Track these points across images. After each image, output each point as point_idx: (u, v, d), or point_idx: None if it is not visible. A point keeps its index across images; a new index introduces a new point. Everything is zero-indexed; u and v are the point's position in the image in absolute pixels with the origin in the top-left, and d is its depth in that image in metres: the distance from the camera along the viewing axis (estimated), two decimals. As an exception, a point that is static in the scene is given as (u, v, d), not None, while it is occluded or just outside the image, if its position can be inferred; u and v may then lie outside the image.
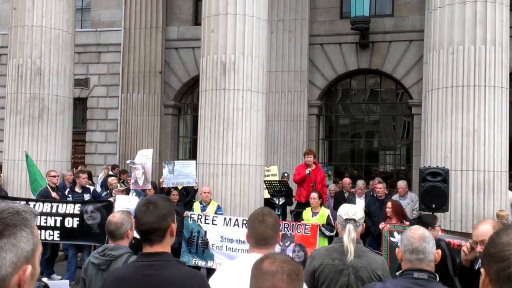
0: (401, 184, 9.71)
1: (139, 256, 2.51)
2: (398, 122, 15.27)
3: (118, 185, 9.51)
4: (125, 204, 8.08)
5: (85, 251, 8.64)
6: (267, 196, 9.91)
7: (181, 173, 8.81)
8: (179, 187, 9.12)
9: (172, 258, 2.48)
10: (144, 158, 8.95)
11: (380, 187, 9.22)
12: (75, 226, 8.44)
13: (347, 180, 11.00)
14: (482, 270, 1.32)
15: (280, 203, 9.75)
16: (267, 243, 2.73)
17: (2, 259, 1.22)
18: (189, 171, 8.87)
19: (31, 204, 8.50)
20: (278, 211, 9.33)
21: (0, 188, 10.05)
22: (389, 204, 7.75)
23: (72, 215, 8.45)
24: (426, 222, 5.43)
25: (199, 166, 9.19)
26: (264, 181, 9.59)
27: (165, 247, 2.46)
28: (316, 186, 9.62)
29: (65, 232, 8.46)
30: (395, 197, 9.36)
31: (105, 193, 10.10)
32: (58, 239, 8.56)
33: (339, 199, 9.92)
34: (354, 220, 3.41)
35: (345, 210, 3.48)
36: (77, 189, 9.28)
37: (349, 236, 3.32)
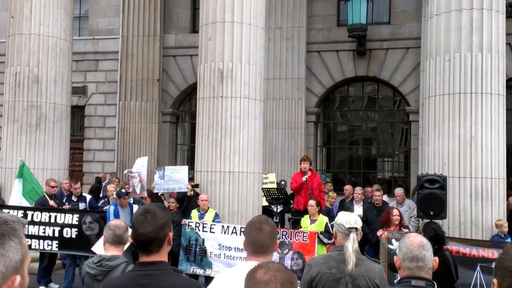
0: (399, 192, 9.70)
1: (136, 266, 2.49)
2: (396, 129, 15.29)
3: (115, 193, 9.47)
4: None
5: (82, 261, 8.59)
6: (265, 203, 9.88)
7: (172, 179, 8.77)
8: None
9: (169, 267, 2.46)
10: (140, 166, 8.94)
11: (378, 195, 9.20)
12: (73, 236, 8.42)
13: (347, 187, 10.92)
14: (494, 280, 1.31)
15: (278, 210, 9.72)
16: (265, 251, 2.72)
17: None
18: (180, 176, 8.81)
19: (29, 213, 8.47)
20: (276, 219, 9.29)
21: (-2, 197, 10.02)
22: (396, 211, 7.71)
23: (71, 226, 8.43)
24: (442, 239, 5.56)
25: (197, 174, 9.17)
26: (262, 188, 9.57)
27: (162, 256, 2.44)
28: (314, 192, 9.60)
29: (63, 242, 8.44)
30: (393, 204, 9.35)
31: (102, 201, 10.05)
32: (57, 249, 8.54)
33: (342, 208, 9.83)
34: (356, 228, 3.40)
35: (346, 219, 3.45)
36: (73, 198, 9.25)
37: (353, 246, 3.30)
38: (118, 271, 3.19)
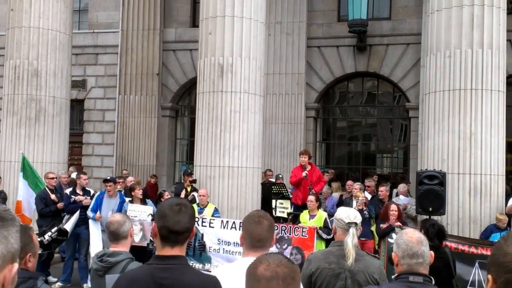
0: (402, 189, 9.69)
1: (154, 259, 2.41)
2: (395, 125, 15.28)
3: None
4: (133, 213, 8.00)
5: (81, 253, 8.58)
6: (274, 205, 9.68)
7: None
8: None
9: (187, 262, 2.43)
10: (143, 214, 8.14)
11: (381, 190, 9.23)
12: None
13: (350, 182, 10.84)
14: (489, 276, 1.31)
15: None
16: (263, 245, 2.72)
17: None
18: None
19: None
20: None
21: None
22: (394, 207, 7.68)
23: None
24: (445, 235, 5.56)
25: (196, 169, 9.17)
26: (272, 186, 9.52)
27: (183, 251, 2.41)
28: (313, 186, 9.57)
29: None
30: (395, 199, 9.37)
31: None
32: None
33: (341, 203, 9.84)
34: (356, 223, 3.40)
35: (346, 214, 3.45)
36: (78, 191, 9.18)
37: (353, 240, 3.30)
38: (118, 268, 3.14)
